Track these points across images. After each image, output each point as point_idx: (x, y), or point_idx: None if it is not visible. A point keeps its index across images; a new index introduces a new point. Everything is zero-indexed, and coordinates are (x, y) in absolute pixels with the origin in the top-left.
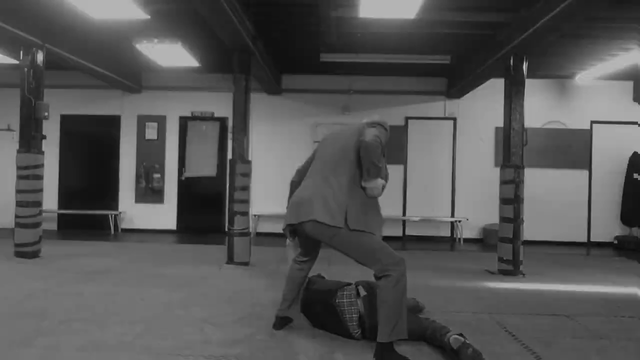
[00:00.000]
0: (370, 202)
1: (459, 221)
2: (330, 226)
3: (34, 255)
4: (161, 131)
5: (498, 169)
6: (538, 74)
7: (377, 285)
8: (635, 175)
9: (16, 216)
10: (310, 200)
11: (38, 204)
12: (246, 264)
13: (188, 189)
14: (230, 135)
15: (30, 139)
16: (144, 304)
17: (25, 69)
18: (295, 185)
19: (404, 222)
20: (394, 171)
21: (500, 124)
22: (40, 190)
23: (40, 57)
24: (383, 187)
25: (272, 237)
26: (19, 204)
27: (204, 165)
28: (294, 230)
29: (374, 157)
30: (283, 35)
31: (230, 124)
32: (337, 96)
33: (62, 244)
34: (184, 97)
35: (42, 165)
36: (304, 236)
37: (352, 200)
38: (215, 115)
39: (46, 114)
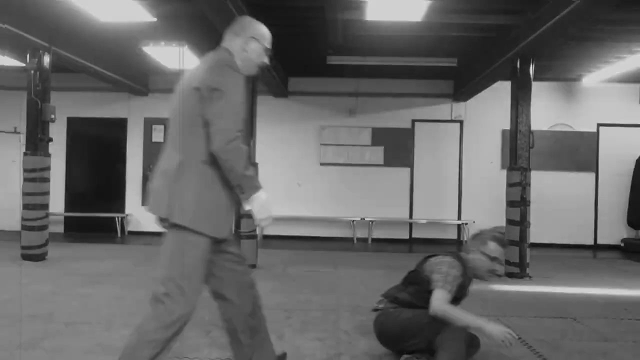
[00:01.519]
0: (219, 194)
1: (466, 224)
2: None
3: (41, 257)
4: None
5: (505, 172)
6: (545, 76)
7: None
8: None
9: (23, 219)
10: (152, 187)
11: (45, 206)
12: (253, 266)
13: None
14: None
15: (36, 141)
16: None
17: (32, 72)
18: None
19: (410, 224)
20: (401, 174)
21: (507, 127)
22: (47, 192)
23: (46, 59)
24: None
25: (279, 240)
26: (26, 206)
27: None
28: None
29: (237, 169)
30: (290, 38)
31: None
32: (344, 99)
33: (69, 247)
34: None
35: (48, 168)
36: None
37: (186, 184)
38: None
39: (53, 116)
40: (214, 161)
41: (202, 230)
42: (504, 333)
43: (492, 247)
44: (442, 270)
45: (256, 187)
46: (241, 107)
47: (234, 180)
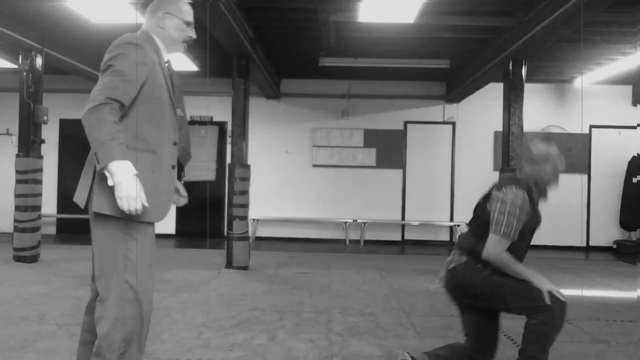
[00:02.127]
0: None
1: (458, 225)
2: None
3: (33, 259)
4: None
5: (497, 173)
6: (537, 78)
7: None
8: (635, 180)
9: (15, 220)
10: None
11: (37, 208)
12: (245, 268)
13: (187, 193)
14: (229, 140)
15: (29, 143)
16: None
17: (24, 73)
18: None
19: (402, 226)
20: (394, 176)
21: (499, 128)
22: (39, 194)
23: (39, 61)
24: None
25: (271, 242)
26: (18, 208)
27: (203, 170)
28: None
29: (94, 135)
30: (282, 40)
31: (229, 128)
32: (336, 100)
33: (61, 248)
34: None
35: (41, 170)
36: None
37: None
38: (214, 119)
39: (45, 118)
40: (131, 145)
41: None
42: (551, 288)
43: (542, 147)
44: (503, 210)
45: (112, 156)
46: (127, 78)
47: (93, 148)
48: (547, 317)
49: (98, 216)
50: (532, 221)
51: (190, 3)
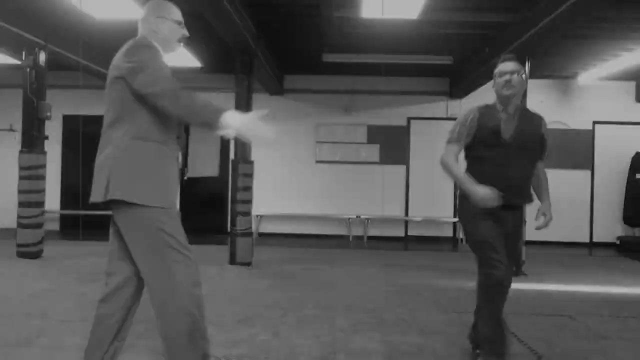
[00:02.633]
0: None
1: None
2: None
3: (37, 255)
4: None
5: None
6: (540, 74)
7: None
8: (638, 176)
9: (18, 216)
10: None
11: (40, 204)
12: (248, 264)
13: (190, 189)
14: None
15: (32, 139)
16: (145, 304)
17: (28, 69)
18: None
19: (406, 222)
20: (397, 171)
21: None
22: (43, 190)
23: (42, 57)
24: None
25: (275, 238)
26: (22, 204)
27: (206, 166)
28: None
29: (197, 110)
30: (285, 36)
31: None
32: (339, 96)
33: (65, 245)
34: None
35: (44, 166)
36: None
37: (121, 161)
38: None
39: (48, 114)
40: (150, 137)
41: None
42: (487, 195)
43: (500, 66)
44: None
45: (219, 111)
46: (168, 73)
47: (200, 123)
48: (481, 276)
49: (131, 206)
50: (490, 128)
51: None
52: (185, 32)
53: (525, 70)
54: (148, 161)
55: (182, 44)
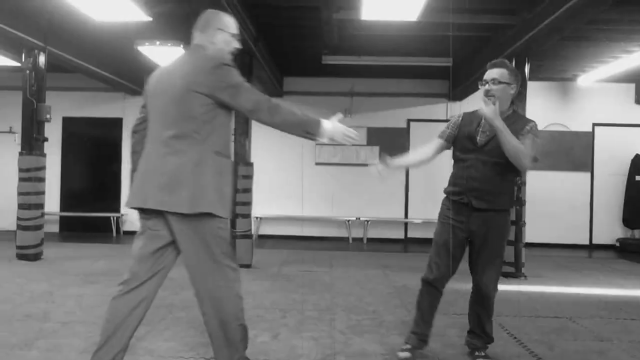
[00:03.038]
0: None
1: None
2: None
3: (36, 257)
4: None
5: None
6: (540, 76)
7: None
8: (637, 178)
9: (18, 218)
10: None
11: (40, 206)
12: (248, 266)
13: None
14: (232, 138)
15: (32, 141)
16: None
17: (27, 72)
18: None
19: (406, 224)
20: (397, 173)
21: None
22: (42, 192)
23: (42, 59)
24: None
25: (274, 240)
26: (21, 206)
27: None
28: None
29: (295, 121)
30: (285, 38)
31: (232, 126)
32: (339, 98)
33: (64, 246)
34: None
35: (44, 168)
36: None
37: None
38: None
39: (48, 116)
40: (223, 152)
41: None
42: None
43: (486, 73)
44: None
45: (318, 120)
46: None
47: (306, 130)
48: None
49: (203, 216)
50: (467, 133)
51: (192, 0)
52: (237, 44)
53: (516, 75)
54: (226, 176)
55: (232, 56)
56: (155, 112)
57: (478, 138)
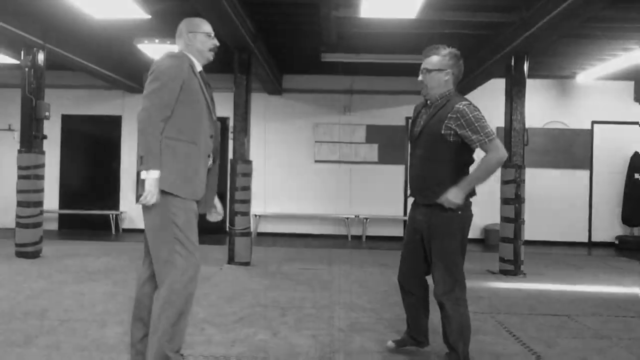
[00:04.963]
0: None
1: None
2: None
3: (35, 255)
4: None
5: (499, 169)
6: (539, 74)
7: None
8: (636, 176)
9: (17, 216)
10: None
11: (39, 204)
12: (247, 264)
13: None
14: (230, 136)
15: (31, 138)
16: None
17: (26, 69)
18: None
19: (404, 222)
20: (396, 171)
21: (502, 124)
22: (41, 190)
23: (41, 57)
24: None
25: (273, 237)
26: (20, 204)
27: None
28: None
29: (141, 141)
30: (284, 35)
31: (230, 124)
32: (338, 96)
33: (63, 244)
34: None
35: (43, 165)
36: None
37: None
38: (216, 115)
39: (47, 114)
40: (177, 137)
41: (182, 194)
42: None
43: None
44: None
45: (148, 164)
46: (168, 88)
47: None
48: None
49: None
50: (411, 126)
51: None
52: (216, 42)
53: (451, 58)
54: (181, 157)
55: (214, 53)
56: None
57: (418, 129)
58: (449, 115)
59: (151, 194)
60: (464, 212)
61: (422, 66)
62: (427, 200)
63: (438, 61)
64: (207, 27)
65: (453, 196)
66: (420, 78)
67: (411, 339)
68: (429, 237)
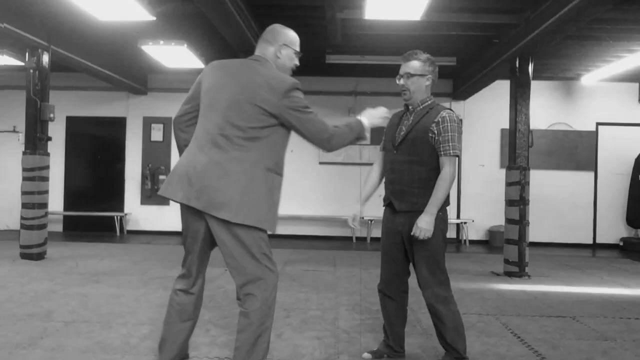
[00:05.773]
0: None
1: (465, 223)
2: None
3: (40, 256)
4: (167, 133)
5: (504, 171)
6: (543, 75)
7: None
8: None
9: (22, 218)
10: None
11: (44, 205)
12: None
13: None
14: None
15: (35, 140)
16: (149, 306)
17: (31, 71)
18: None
19: None
20: None
21: (506, 126)
22: (46, 191)
23: (45, 58)
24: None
25: (278, 239)
26: (25, 205)
27: None
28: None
29: (347, 141)
30: None
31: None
32: (343, 98)
33: (68, 246)
34: None
35: (47, 167)
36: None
37: (257, 189)
38: None
39: (52, 115)
40: (275, 169)
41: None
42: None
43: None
44: None
45: (358, 123)
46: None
47: (353, 139)
48: None
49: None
50: (388, 134)
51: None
52: (297, 62)
53: (430, 63)
54: (277, 191)
55: (291, 73)
56: (209, 109)
57: (399, 135)
58: (434, 120)
59: (380, 115)
60: (444, 213)
61: (403, 70)
62: (407, 207)
63: (420, 66)
64: (298, 45)
65: (425, 224)
66: (401, 82)
67: (388, 348)
68: (410, 241)
